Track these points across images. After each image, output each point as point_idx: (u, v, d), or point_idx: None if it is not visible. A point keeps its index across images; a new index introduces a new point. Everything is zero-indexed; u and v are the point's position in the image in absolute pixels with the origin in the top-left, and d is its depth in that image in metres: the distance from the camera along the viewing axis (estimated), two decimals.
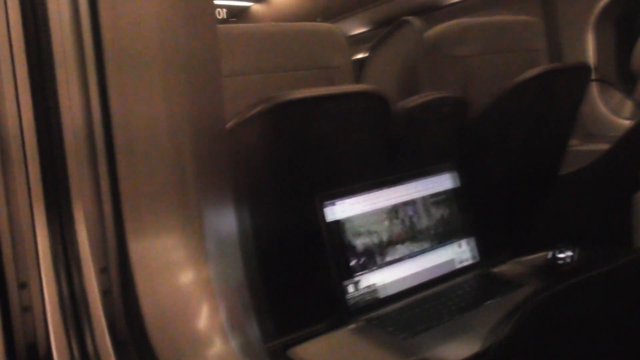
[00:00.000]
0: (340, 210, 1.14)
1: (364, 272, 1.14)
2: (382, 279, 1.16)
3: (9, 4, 0.64)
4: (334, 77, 1.47)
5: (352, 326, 1.09)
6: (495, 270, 1.31)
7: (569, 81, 1.56)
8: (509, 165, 1.58)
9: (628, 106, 2.46)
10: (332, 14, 4.99)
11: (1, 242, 0.67)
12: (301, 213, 1.15)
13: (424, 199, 1.26)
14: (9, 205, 0.66)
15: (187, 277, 0.74)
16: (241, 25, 1.50)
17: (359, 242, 1.15)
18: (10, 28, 0.64)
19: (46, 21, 0.66)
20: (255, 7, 7.29)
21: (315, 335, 1.05)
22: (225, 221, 0.79)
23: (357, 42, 5.06)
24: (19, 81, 0.65)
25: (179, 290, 0.73)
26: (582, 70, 1.59)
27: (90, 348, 0.67)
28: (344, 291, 1.11)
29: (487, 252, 1.33)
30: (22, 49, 0.65)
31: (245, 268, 0.80)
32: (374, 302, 1.14)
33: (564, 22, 2.53)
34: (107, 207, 0.70)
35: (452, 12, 3.70)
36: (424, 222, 1.26)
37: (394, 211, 1.21)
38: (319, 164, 1.20)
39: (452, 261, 1.28)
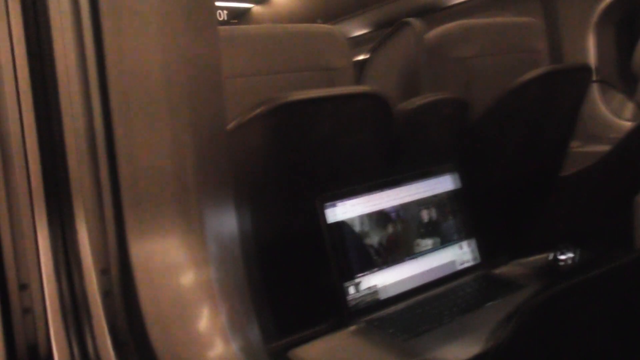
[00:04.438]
0: (341, 211, 1.14)
1: (365, 273, 1.14)
2: (383, 280, 1.16)
3: (11, 5, 0.64)
4: (334, 78, 1.47)
5: (353, 328, 1.09)
6: (497, 271, 1.31)
7: (570, 82, 1.56)
8: (510, 166, 1.58)
9: (629, 107, 2.46)
10: (333, 16, 4.99)
11: (2, 244, 0.67)
12: (302, 214, 1.15)
13: (424, 200, 1.26)
14: (10, 206, 0.66)
15: (188, 279, 0.74)
16: (242, 26, 1.50)
17: (360, 244, 1.15)
18: (12, 29, 0.65)
19: (47, 23, 0.66)
20: (256, 9, 7.30)
21: (316, 336, 1.05)
22: (226, 222, 0.79)
23: (358, 43, 5.06)
24: (20, 82, 0.65)
25: (179, 292, 0.73)
26: (583, 72, 1.58)
27: (90, 349, 0.67)
28: (345, 292, 1.11)
29: (488, 254, 1.33)
30: (23, 50, 0.65)
31: (246, 269, 0.80)
32: (375, 303, 1.14)
33: (565, 23, 2.53)
34: (108, 209, 0.70)
35: (453, 13, 3.70)
36: (425, 224, 1.25)
37: (394, 212, 1.21)
38: (319, 165, 1.20)
39: (453, 262, 1.28)
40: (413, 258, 1.22)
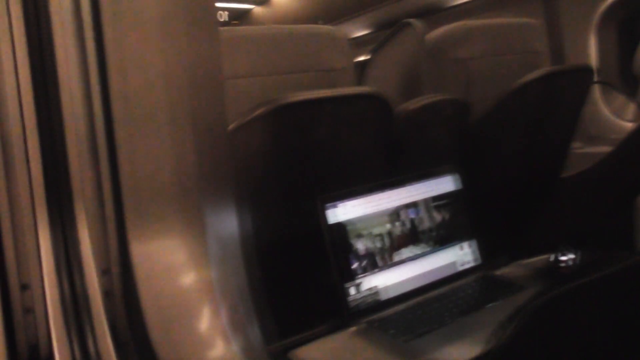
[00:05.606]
0: (342, 212, 1.14)
1: (366, 274, 1.14)
2: (384, 281, 1.16)
3: (11, 3, 0.64)
4: (335, 79, 1.47)
5: (353, 328, 1.09)
6: (497, 272, 1.31)
7: (572, 83, 1.56)
8: (511, 167, 1.58)
9: (631, 108, 2.45)
10: (334, 16, 4.99)
11: (3, 244, 0.67)
12: (303, 215, 1.15)
13: (425, 201, 1.26)
14: (11, 206, 0.67)
15: (188, 279, 0.74)
16: (243, 27, 1.50)
17: (361, 244, 1.15)
18: (13, 28, 0.65)
19: (48, 21, 0.66)
20: (257, 10, 7.30)
21: (317, 337, 1.05)
22: (227, 223, 0.79)
23: (359, 44, 5.06)
24: (21, 83, 0.66)
25: (180, 292, 0.73)
26: (584, 73, 1.58)
27: (91, 349, 0.67)
28: (346, 293, 1.11)
29: (489, 255, 1.32)
30: (24, 49, 0.65)
31: (246, 270, 0.80)
32: (376, 304, 1.14)
33: (566, 24, 2.53)
34: (109, 209, 0.70)
35: (455, 14, 3.70)
36: (425, 225, 1.25)
37: (395, 213, 1.21)
38: (320, 166, 1.20)
39: (454, 263, 1.28)
40: (414, 259, 1.22)
